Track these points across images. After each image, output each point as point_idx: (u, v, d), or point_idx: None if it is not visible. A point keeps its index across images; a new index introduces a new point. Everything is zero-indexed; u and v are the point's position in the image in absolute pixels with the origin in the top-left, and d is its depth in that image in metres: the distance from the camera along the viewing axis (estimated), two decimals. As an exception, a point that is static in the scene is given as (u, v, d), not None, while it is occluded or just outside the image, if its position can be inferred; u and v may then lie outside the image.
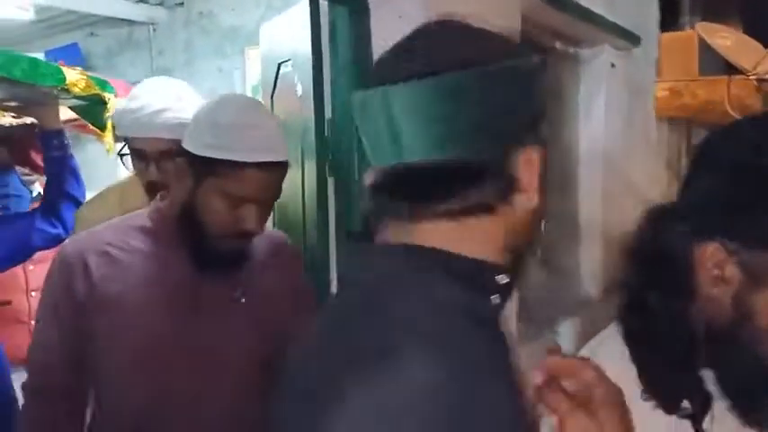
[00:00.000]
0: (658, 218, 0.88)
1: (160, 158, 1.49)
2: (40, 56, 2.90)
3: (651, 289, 0.86)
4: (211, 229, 1.11)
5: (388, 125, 0.59)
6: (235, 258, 1.17)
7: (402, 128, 0.58)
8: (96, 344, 1.13)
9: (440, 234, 0.59)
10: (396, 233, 0.61)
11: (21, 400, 2.06)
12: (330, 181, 1.67)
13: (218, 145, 1.08)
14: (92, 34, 5.05)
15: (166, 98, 1.50)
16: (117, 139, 1.98)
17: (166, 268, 1.15)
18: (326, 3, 1.69)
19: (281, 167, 1.14)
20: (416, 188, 0.59)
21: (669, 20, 2.91)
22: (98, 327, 1.12)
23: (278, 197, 1.17)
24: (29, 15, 3.86)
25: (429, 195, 0.59)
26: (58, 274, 1.16)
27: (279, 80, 1.97)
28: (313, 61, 1.71)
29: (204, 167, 1.09)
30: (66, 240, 1.22)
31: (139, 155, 1.51)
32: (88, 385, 1.20)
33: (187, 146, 1.12)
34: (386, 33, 1.70)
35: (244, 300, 1.16)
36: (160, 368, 1.11)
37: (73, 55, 4.57)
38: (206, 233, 1.12)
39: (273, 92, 2.01)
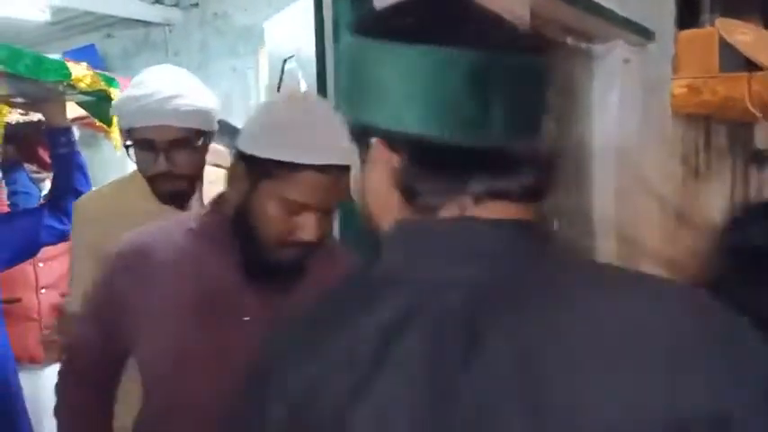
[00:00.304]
0: (758, 215, 0.87)
1: (169, 149, 1.41)
2: (58, 57, 2.92)
3: (744, 285, 0.85)
4: (265, 236, 1.04)
5: (508, 96, 0.56)
6: (288, 269, 1.08)
7: (525, 103, 0.57)
8: (130, 342, 1.12)
9: (529, 212, 0.59)
10: (495, 210, 0.57)
11: (27, 398, 2.09)
12: (333, 177, 1.65)
13: (273, 144, 1.00)
14: (108, 35, 5.10)
15: (176, 84, 1.42)
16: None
17: (210, 274, 1.09)
18: (329, -4, 1.67)
19: (343, 171, 1.02)
20: (539, 166, 0.58)
21: (689, 18, 2.86)
22: (132, 326, 1.10)
23: (339, 205, 1.08)
24: (45, 17, 3.91)
25: (542, 173, 0.59)
26: (104, 268, 1.15)
27: (284, 76, 1.95)
28: (316, 56, 1.69)
29: (259, 169, 1.02)
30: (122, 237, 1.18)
31: (146, 145, 1.42)
32: (119, 375, 1.22)
33: (241, 145, 1.05)
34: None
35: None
36: (188, 372, 1.07)
37: (90, 56, 4.61)
38: (259, 241, 1.04)
39: (279, 88, 2.00)
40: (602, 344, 0.49)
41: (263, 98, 4.37)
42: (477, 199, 0.56)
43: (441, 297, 0.55)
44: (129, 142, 1.46)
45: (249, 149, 1.03)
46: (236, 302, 1.08)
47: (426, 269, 0.57)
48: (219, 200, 1.14)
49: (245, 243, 1.06)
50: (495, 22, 0.59)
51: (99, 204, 1.55)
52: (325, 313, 0.63)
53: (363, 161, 0.62)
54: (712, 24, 2.81)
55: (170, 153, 1.41)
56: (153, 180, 1.45)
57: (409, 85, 0.55)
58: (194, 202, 1.53)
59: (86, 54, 4.62)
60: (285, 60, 1.95)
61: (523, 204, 0.58)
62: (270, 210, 1.02)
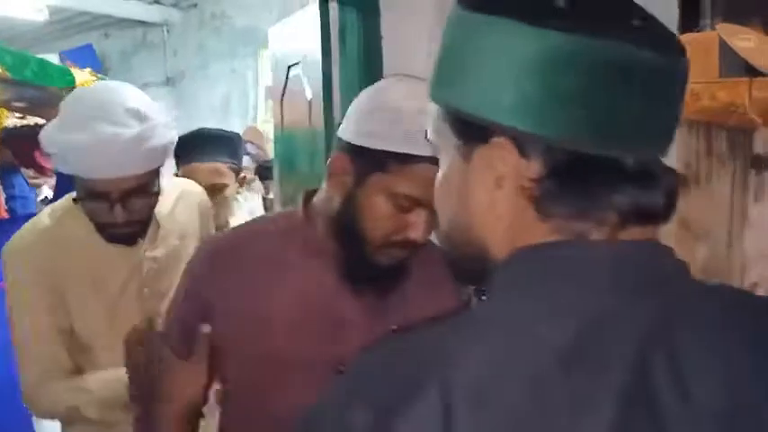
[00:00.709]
0: None
1: (128, 197, 1.19)
2: (55, 57, 2.91)
3: None
4: (371, 235, 0.94)
5: (662, 103, 0.49)
6: (393, 273, 0.99)
7: (669, 111, 0.50)
8: (217, 350, 1.03)
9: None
10: (642, 233, 0.51)
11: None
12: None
13: (386, 134, 0.90)
14: (106, 36, 5.08)
15: (136, 121, 1.16)
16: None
17: (306, 277, 1.00)
18: (336, 4, 1.66)
19: None
20: (673, 180, 0.51)
21: (690, 21, 2.86)
22: (220, 334, 1.01)
23: None
24: (43, 17, 3.89)
25: (675, 188, 0.52)
26: (187, 274, 1.06)
27: (288, 83, 1.95)
28: (322, 64, 1.69)
29: (369, 162, 0.91)
30: (205, 240, 1.08)
31: (101, 197, 1.19)
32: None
33: (345, 135, 0.94)
34: (398, 33, 1.67)
35: (396, 327, 0.98)
36: (283, 380, 0.99)
37: (88, 56, 4.60)
38: (363, 241, 0.95)
39: (283, 95, 1.99)
40: None
41: (261, 99, 4.37)
42: (623, 219, 0.49)
43: (620, 330, 0.47)
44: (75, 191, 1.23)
45: (355, 139, 0.92)
46: (334, 307, 1.00)
47: (590, 299, 0.48)
48: (310, 197, 1.05)
49: (346, 244, 0.97)
50: (650, 16, 0.51)
51: (37, 239, 1.29)
52: (479, 343, 0.50)
53: (467, 161, 0.52)
54: (713, 28, 2.82)
55: (128, 201, 1.20)
56: (104, 227, 1.24)
57: (563, 81, 0.46)
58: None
59: (84, 54, 4.61)
60: (290, 67, 1.94)
61: (658, 225, 0.51)
62: (379, 206, 0.92)
